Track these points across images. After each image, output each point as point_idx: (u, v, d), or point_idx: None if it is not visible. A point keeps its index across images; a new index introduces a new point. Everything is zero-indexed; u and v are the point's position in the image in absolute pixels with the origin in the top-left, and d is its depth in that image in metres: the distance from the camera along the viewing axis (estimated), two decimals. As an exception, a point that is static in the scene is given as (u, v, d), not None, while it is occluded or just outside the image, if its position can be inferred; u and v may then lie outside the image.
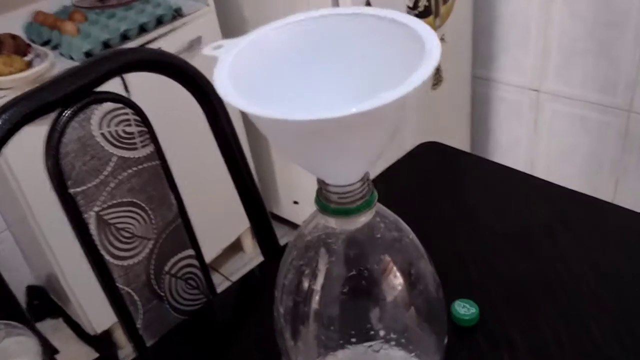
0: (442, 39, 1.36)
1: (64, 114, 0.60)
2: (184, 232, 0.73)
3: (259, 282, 0.72)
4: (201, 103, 0.71)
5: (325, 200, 0.28)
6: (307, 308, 0.30)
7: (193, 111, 0.72)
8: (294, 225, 1.71)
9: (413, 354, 0.34)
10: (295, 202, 1.73)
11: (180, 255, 0.73)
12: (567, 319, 0.59)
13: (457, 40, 1.44)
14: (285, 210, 1.74)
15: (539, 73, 1.51)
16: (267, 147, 1.69)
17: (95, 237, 0.64)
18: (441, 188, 0.79)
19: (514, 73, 1.56)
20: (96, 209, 0.63)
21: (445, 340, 0.36)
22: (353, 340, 0.31)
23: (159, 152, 0.68)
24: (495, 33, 1.55)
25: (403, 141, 0.91)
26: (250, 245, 1.76)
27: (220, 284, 1.60)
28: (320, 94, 0.28)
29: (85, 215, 0.63)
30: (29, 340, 0.42)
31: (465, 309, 0.59)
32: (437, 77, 1.40)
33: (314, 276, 0.30)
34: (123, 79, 1.11)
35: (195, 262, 0.74)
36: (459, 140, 1.66)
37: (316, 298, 0.30)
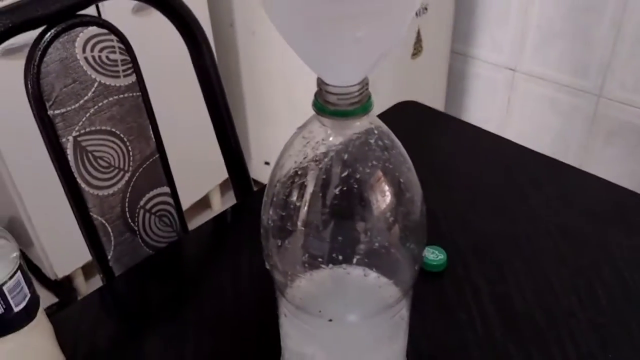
0: (424, 8, 1.37)
1: (47, 33, 0.59)
2: (160, 168, 0.73)
3: (232, 222, 0.73)
4: (185, 38, 0.71)
5: (324, 101, 0.29)
6: (295, 213, 0.31)
7: (179, 47, 0.71)
8: (264, 187, 1.71)
9: (389, 279, 0.35)
10: (267, 163, 1.74)
11: (155, 192, 0.72)
12: (531, 272, 0.61)
13: (438, 11, 1.45)
14: (256, 171, 1.74)
15: (516, 52, 1.53)
16: (241, 106, 1.68)
17: (72, 163, 0.63)
18: (417, 145, 0.80)
19: (491, 51, 1.59)
20: (74, 134, 0.62)
21: (417, 267, 0.37)
22: (335, 254, 0.32)
23: (140, 84, 0.67)
24: (476, 9, 1.56)
25: (378, 106, 0.93)
26: (218, 202, 1.76)
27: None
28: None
29: (63, 140, 0.62)
30: (8, 244, 0.41)
31: (434, 255, 0.61)
32: (418, 46, 1.41)
33: (305, 179, 0.31)
34: (98, 9, 1.08)
35: (170, 200, 0.74)
36: (433, 113, 1.67)
37: (305, 204, 0.31)
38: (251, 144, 1.73)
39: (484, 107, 1.69)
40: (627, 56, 1.35)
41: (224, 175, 0.82)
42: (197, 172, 1.54)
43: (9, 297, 0.40)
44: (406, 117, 0.85)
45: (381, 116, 0.93)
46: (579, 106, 1.49)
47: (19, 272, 0.41)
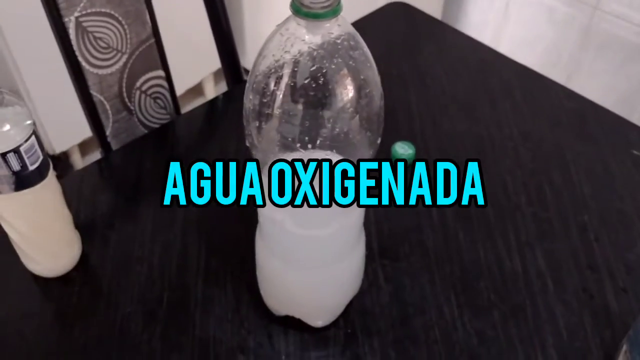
0: None
1: None
2: (156, 53, 0.77)
3: (222, 107, 0.79)
4: None
5: (299, 4, 0.34)
6: (272, 100, 0.37)
7: None
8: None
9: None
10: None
11: (150, 75, 0.77)
12: (488, 171, 0.67)
13: None
14: (250, 63, 1.77)
15: (518, -43, 1.52)
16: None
17: (74, 43, 0.67)
18: (402, 47, 0.85)
19: (494, -47, 1.57)
20: (76, 14, 0.66)
21: (373, 152, 0.43)
22: (303, 137, 0.38)
23: (139, -31, 0.70)
24: None
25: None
26: (211, 90, 1.80)
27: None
28: None
29: (66, 20, 0.66)
30: (23, 111, 0.47)
31: (403, 150, 0.67)
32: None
33: (281, 71, 0.36)
34: None
35: (164, 83, 0.79)
36: (430, 11, 1.68)
37: (280, 92, 0.37)
38: (247, 35, 1.75)
39: (482, 10, 1.69)
40: (626, -30, 1.35)
41: (218, 64, 0.86)
42: (192, 59, 1.57)
43: (25, 157, 0.46)
44: (395, 19, 0.89)
45: (371, 16, 0.96)
46: (575, 17, 1.50)
47: (33, 137, 0.47)
